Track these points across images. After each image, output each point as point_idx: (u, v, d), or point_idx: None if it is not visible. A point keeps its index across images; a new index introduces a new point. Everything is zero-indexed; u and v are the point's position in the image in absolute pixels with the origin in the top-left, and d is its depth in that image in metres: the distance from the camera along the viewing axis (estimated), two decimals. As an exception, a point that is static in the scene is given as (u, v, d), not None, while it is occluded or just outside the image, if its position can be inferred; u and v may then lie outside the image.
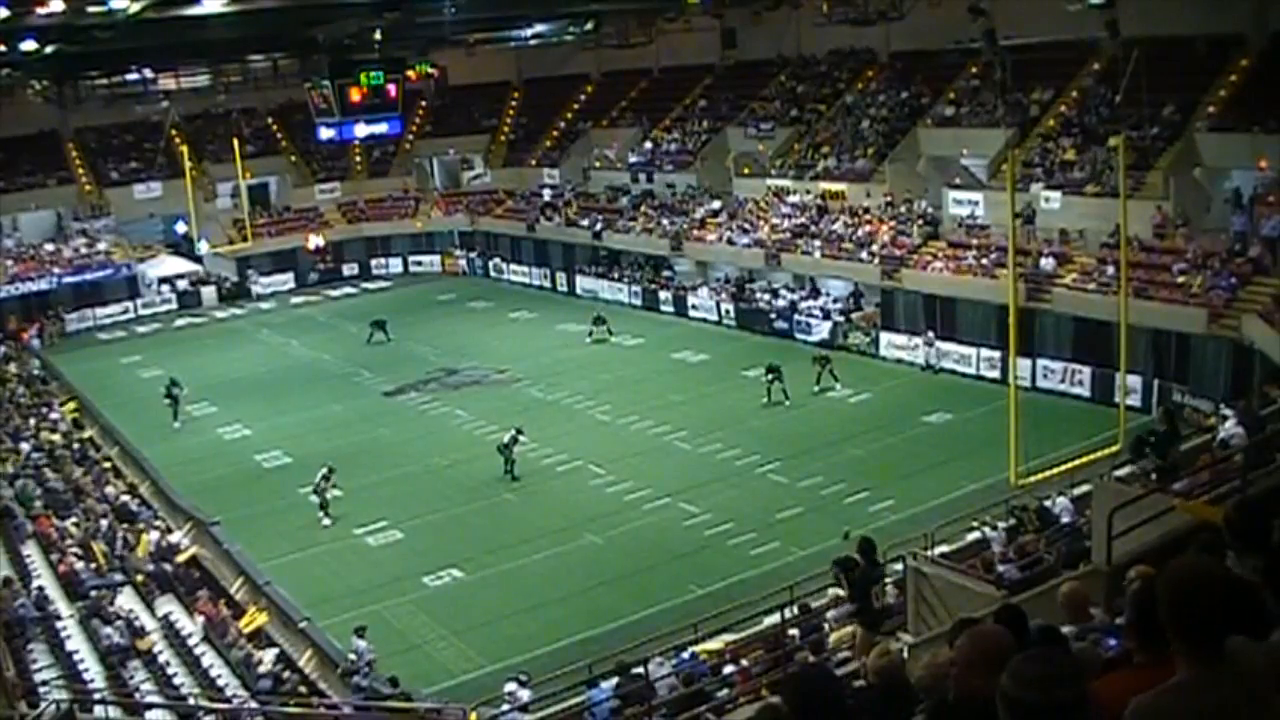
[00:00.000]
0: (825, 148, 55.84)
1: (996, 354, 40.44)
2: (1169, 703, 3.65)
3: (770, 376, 40.54)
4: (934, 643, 12.05)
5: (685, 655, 19.00)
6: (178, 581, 28.00)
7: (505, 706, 19.47)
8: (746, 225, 55.18)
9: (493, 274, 68.00)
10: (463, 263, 69.89)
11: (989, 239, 44.78)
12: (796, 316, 49.15)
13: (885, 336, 45.64)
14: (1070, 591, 8.65)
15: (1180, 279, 37.94)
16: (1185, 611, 3.68)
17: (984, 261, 43.91)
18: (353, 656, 23.61)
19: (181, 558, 29.45)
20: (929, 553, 19.97)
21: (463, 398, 43.82)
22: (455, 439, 39.47)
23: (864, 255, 48.47)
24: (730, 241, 54.96)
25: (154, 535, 30.31)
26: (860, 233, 49.92)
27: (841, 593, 18.27)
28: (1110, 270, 39.03)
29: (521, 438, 35.72)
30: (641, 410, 40.50)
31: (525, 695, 19.96)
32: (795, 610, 19.86)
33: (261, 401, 44.95)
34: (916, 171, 51.21)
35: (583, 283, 61.53)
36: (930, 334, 44.25)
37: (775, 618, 19.51)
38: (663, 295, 56.02)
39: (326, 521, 32.85)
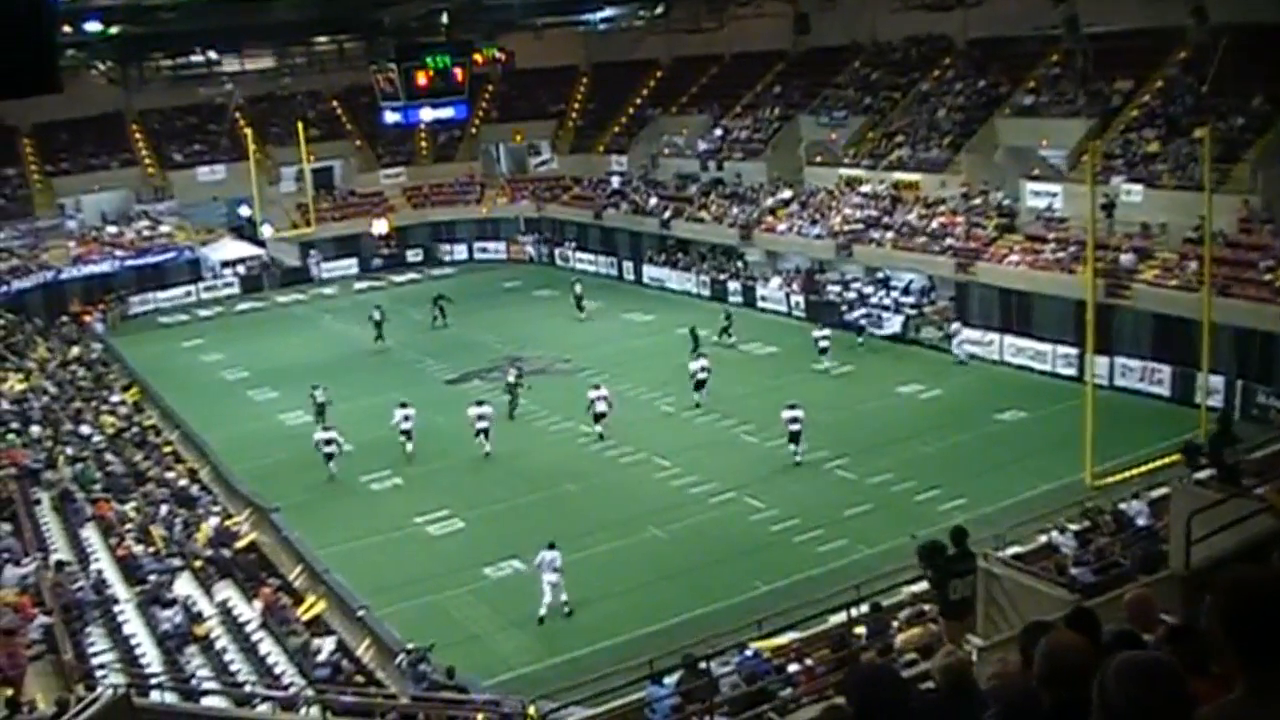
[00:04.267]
0: (899, 137, 55.44)
1: (1073, 351, 39.98)
2: (1229, 717, 3.56)
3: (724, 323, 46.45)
4: (1004, 646, 11.93)
5: (748, 653, 18.88)
6: (236, 568, 28.27)
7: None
8: (817, 215, 55.01)
9: (559, 262, 68.34)
10: (529, 249, 70.25)
11: (1067, 232, 44.22)
12: (867, 309, 48.97)
13: (959, 331, 45.21)
14: (1137, 598, 8.43)
15: (1266, 276, 37.26)
16: (1244, 623, 3.57)
17: (1061, 255, 43.37)
18: (538, 563, 26.51)
19: (241, 544, 29.73)
20: (1000, 553, 19.73)
21: (526, 387, 43.93)
22: (517, 428, 39.63)
23: (938, 248, 48.15)
24: (800, 232, 54.84)
25: (213, 521, 30.64)
26: (934, 224, 49.56)
27: (915, 590, 18.11)
28: (1193, 266, 38.34)
29: (593, 394, 37.59)
30: (707, 402, 40.46)
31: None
32: (863, 609, 19.71)
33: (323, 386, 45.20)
34: (993, 162, 50.73)
35: (650, 271, 61.66)
36: (957, 323, 44.37)
37: (841, 616, 19.43)
38: (731, 286, 56.00)
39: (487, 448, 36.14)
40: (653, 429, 38.65)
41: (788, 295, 53.10)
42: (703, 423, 38.95)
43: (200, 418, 41.71)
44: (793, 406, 34.85)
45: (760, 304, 54.13)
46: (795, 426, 34.48)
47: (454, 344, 51.10)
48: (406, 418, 37.62)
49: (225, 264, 65.76)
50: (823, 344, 43.71)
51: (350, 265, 69.01)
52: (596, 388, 38.30)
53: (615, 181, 68.56)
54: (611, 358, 46.95)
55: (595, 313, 55.21)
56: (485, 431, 36.88)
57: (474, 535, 31.45)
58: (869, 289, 50.29)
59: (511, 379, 40.52)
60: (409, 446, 37.29)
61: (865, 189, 54.64)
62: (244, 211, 67.75)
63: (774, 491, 32.61)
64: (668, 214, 62.31)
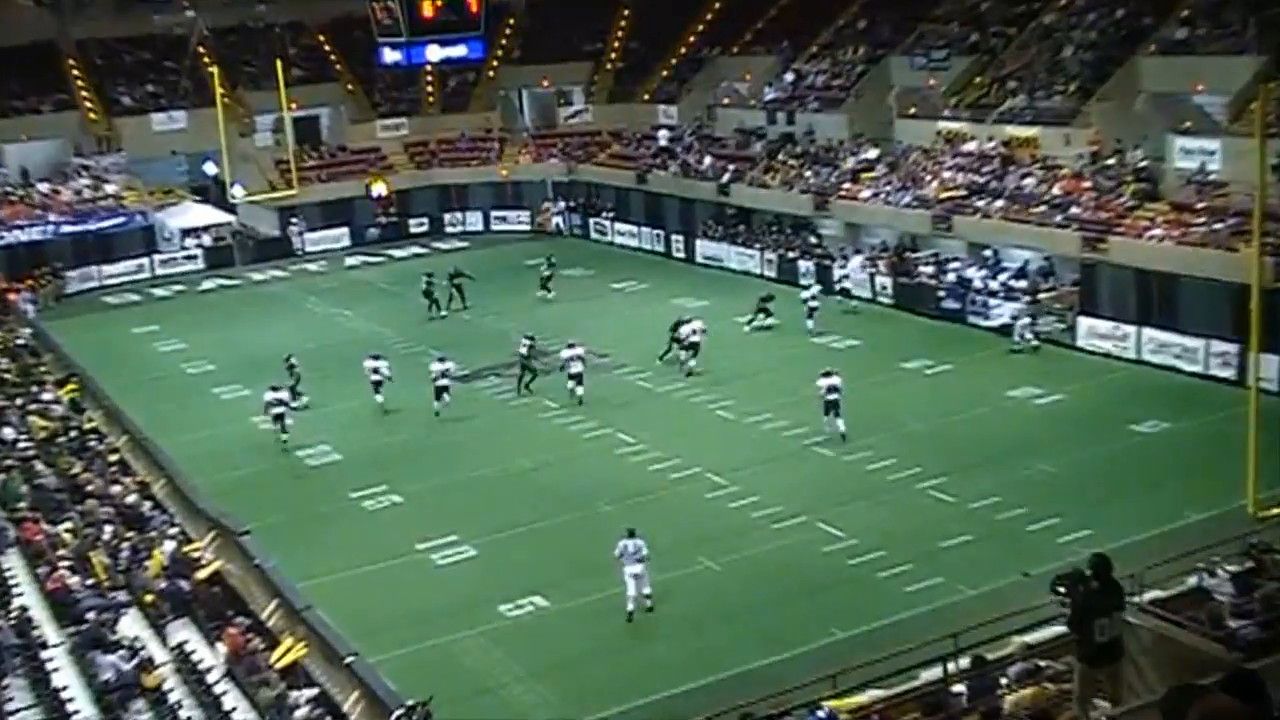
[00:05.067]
0: (1013, 82, 55.10)
1: (1231, 348, 39.52)
2: None
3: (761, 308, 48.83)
4: (1142, 714, 11.76)
5: (820, 713, 18.76)
6: (196, 603, 28.26)
7: None
8: (910, 180, 54.82)
9: (594, 234, 68.61)
10: (557, 220, 70.49)
11: (1226, 200, 43.73)
12: (971, 295, 48.67)
13: (1084, 322, 45.00)
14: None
15: None
16: None
17: (1218, 229, 42.92)
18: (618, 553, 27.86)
19: (202, 574, 29.71)
20: (1138, 599, 19.51)
21: (553, 386, 44.01)
22: (543, 436, 39.84)
23: (1059, 219, 47.90)
24: (889, 200, 54.71)
25: (169, 546, 30.63)
26: (1056, 190, 49.27)
27: (1028, 640, 17.91)
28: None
29: (568, 351, 41.71)
30: (773, 407, 40.42)
31: None
32: (963, 663, 19.53)
33: (307, 385, 45.37)
34: (1132, 112, 50.21)
35: (704, 247, 61.68)
36: (1023, 302, 45.38)
37: (936, 671, 19.23)
38: (803, 265, 55.89)
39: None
40: (705, 439, 38.71)
41: (872, 277, 52.98)
42: (767, 431, 38.97)
43: (154, 420, 41.80)
44: (829, 374, 37.38)
45: (838, 287, 53.99)
46: (833, 396, 36.89)
47: (465, 333, 51.41)
48: (376, 370, 42.40)
49: (186, 233, 66.14)
50: (812, 304, 48.14)
51: (340, 236, 69.59)
52: (571, 346, 42.35)
53: (663, 137, 68.65)
54: (657, 351, 46.82)
55: (638, 297, 55.42)
56: (445, 390, 41.64)
57: (488, 565, 31.45)
58: (972, 270, 50.07)
59: (524, 351, 43.58)
60: (379, 399, 42.33)
61: (970, 147, 54.42)
62: (209, 169, 68.18)
63: (853, 517, 32.43)
64: (726, 177, 62.35)
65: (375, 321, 53.70)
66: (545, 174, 72.12)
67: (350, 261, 66.76)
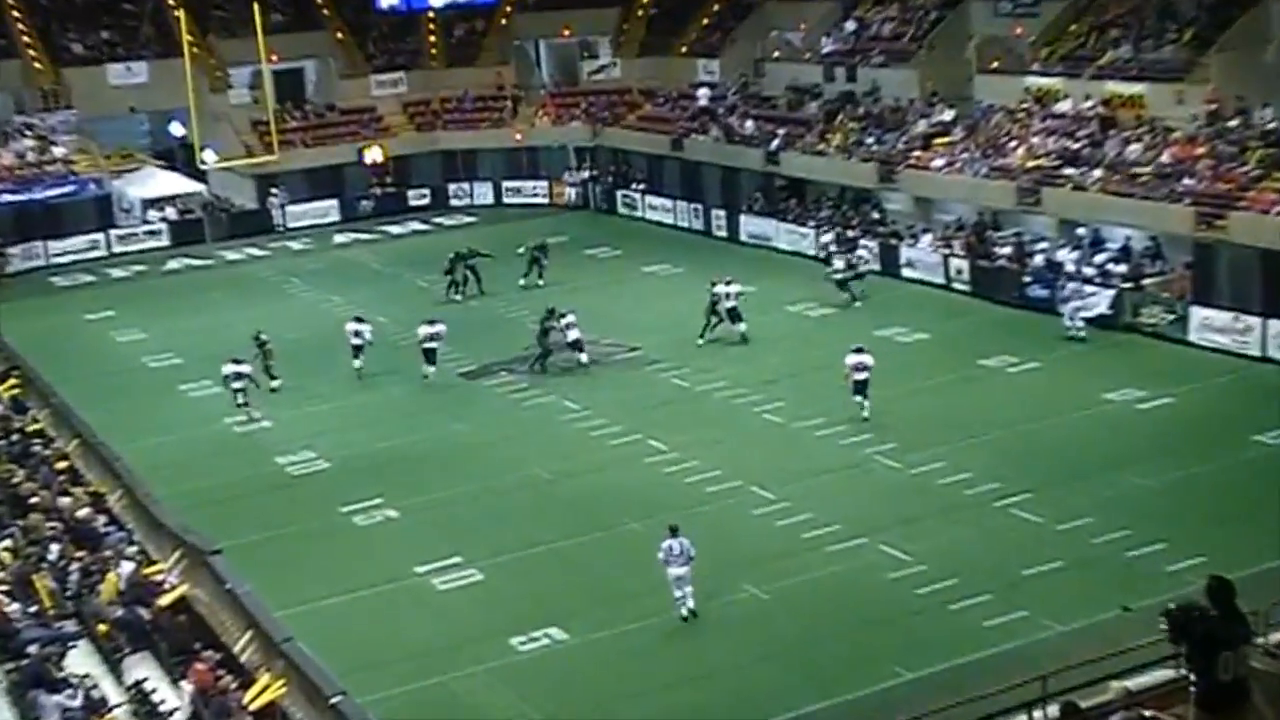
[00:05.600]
0: (1116, 30, 54.90)
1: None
2: None
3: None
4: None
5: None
6: (158, 634, 28.25)
7: None
8: (991, 146, 54.74)
9: (622, 209, 68.79)
10: (574, 191, 70.78)
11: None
12: (1062, 282, 48.43)
13: (1197, 313, 44.87)
14: None
15: None
16: None
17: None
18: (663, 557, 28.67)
19: (165, 600, 29.70)
20: (1261, 640, 19.39)
21: (575, 383, 44.45)
22: (562, 442, 40.07)
23: (1168, 192, 47.67)
24: (967, 169, 54.64)
25: (126, 568, 30.62)
26: (1165, 158, 49.10)
27: (1129, 685, 17.82)
28: None
29: (563, 320, 45.10)
30: (829, 410, 40.29)
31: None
32: (1051, 710, 19.46)
33: (288, 381, 45.85)
34: (1261, 64, 49.78)
35: (749, 225, 61.78)
36: (1073, 285, 46.07)
37: (1021, 720, 19.19)
38: (864, 246, 55.67)
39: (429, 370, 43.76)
40: (751, 446, 38.79)
41: (946, 260, 53.01)
42: (822, 438, 38.96)
43: (110, 421, 41.64)
44: (859, 350, 39.31)
45: (905, 272, 54.10)
46: (862, 375, 38.82)
47: (473, 322, 51.64)
48: (358, 334, 45.72)
49: (149, 204, 66.32)
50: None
51: (328, 210, 70.10)
52: (563, 315, 45.87)
53: (703, 97, 68.80)
54: (696, 345, 47.07)
55: (673, 281, 55.58)
56: (433, 353, 45.17)
57: (498, 592, 31.45)
58: (1064, 253, 49.96)
59: (542, 325, 45.97)
60: (357, 363, 45.67)
61: (1063, 107, 54.34)
62: (176, 130, 68.36)
63: (922, 538, 32.28)
64: (776, 144, 62.40)
65: (369, 308, 53.31)
66: (566, 139, 72.21)
67: (339, 239, 67.05)
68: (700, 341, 46.63)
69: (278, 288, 59.29)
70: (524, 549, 33.36)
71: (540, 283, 55.86)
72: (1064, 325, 45.74)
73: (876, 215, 57.89)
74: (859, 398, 39.02)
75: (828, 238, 56.94)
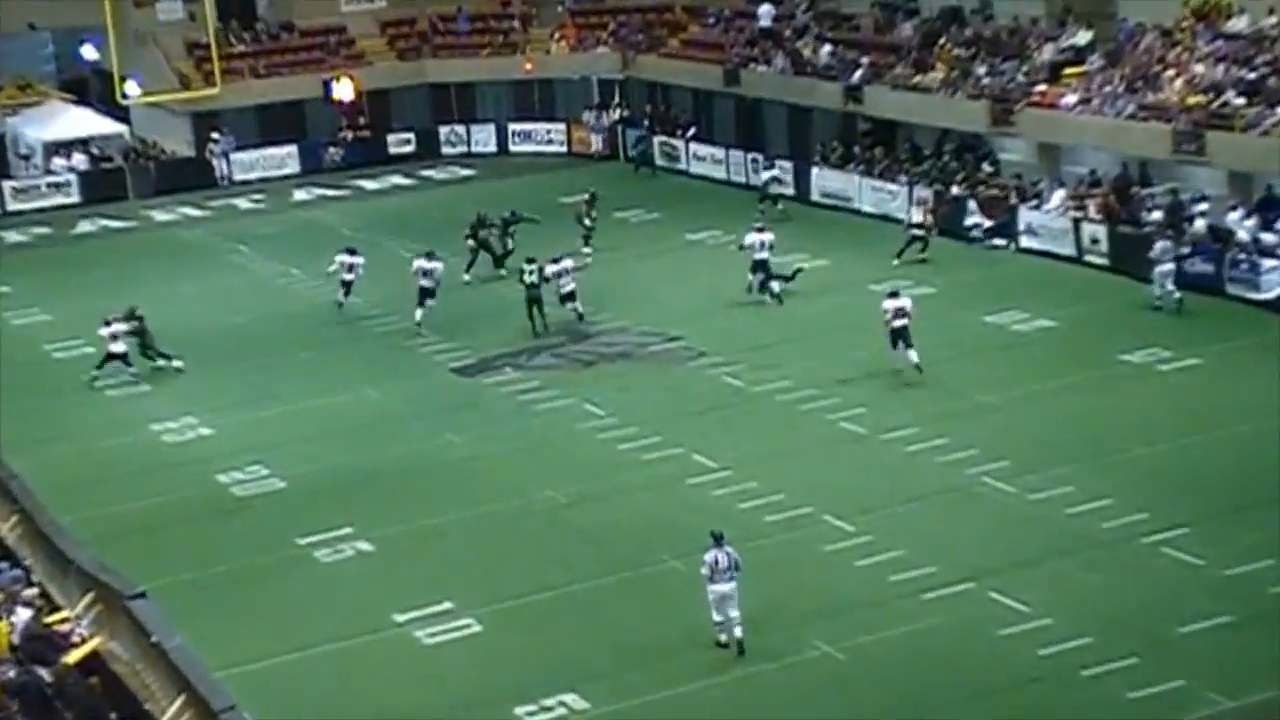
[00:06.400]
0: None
1: None
2: None
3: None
4: None
5: None
6: (62, 701, 28.25)
7: None
8: (1139, 79, 54.46)
9: (661, 160, 68.81)
10: (600, 138, 70.77)
11: None
12: (1233, 253, 48.31)
13: None
14: None
15: None
16: None
17: None
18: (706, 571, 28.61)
19: (73, 657, 29.70)
20: None
21: (598, 382, 44.53)
22: (582, 456, 39.86)
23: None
24: (1106, 109, 54.32)
25: (23, 615, 30.62)
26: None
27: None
28: None
29: (555, 265, 47.97)
30: (924, 418, 40.22)
31: None
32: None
33: (234, 378, 46.02)
34: None
35: (823, 179, 61.70)
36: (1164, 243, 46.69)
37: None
38: (970, 210, 55.82)
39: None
40: (823, 464, 38.44)
41: (1077, 225, 52.85)
42: (914, 455, 38.61)
43: (3, 427, 41.97)
44: (895, 294, 41.48)
45: (1024, 240, 54.12)
46: (900, 322, 40.53)
47: (470, 306, 51.86)
48: (351, 267, 50.57)
49: (54, 149, 66.37)
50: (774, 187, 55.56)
51: (285, 159, 70.49)
52: (556, 260, 48.70)
53: (764, 15, 68.70)
54: (753, 334, 47.06)
55: (725, 253, 55.05)
56: (431, 294, 48.91)
57: (499, 647, 31.12)
58: (1235, 215, 49.60)
59: (532, 279, 48.49)
60: (341, 296, 50.55)
61: (1236, 25, 54.08)
62: (89, 54, 68.36)
63: (1045, 584, 31.85)
64: (858, 76, 62.42)
65: (336, 285, 53.46)
66: (589, 69, 72.33)
67: (300, 196, 67.33)
68: (765, 296, 48.30)
69: (221, 257, 59.36)
70: (532, 593, 32.96)
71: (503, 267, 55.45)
72: (1153, 294, 46.13)
73: (989, 169, 57.75)
74: (900, 349, 41.44)
75: (924, 194, 57.00)
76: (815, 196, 61.57)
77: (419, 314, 48.50)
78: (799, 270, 49.90)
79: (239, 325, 49.65)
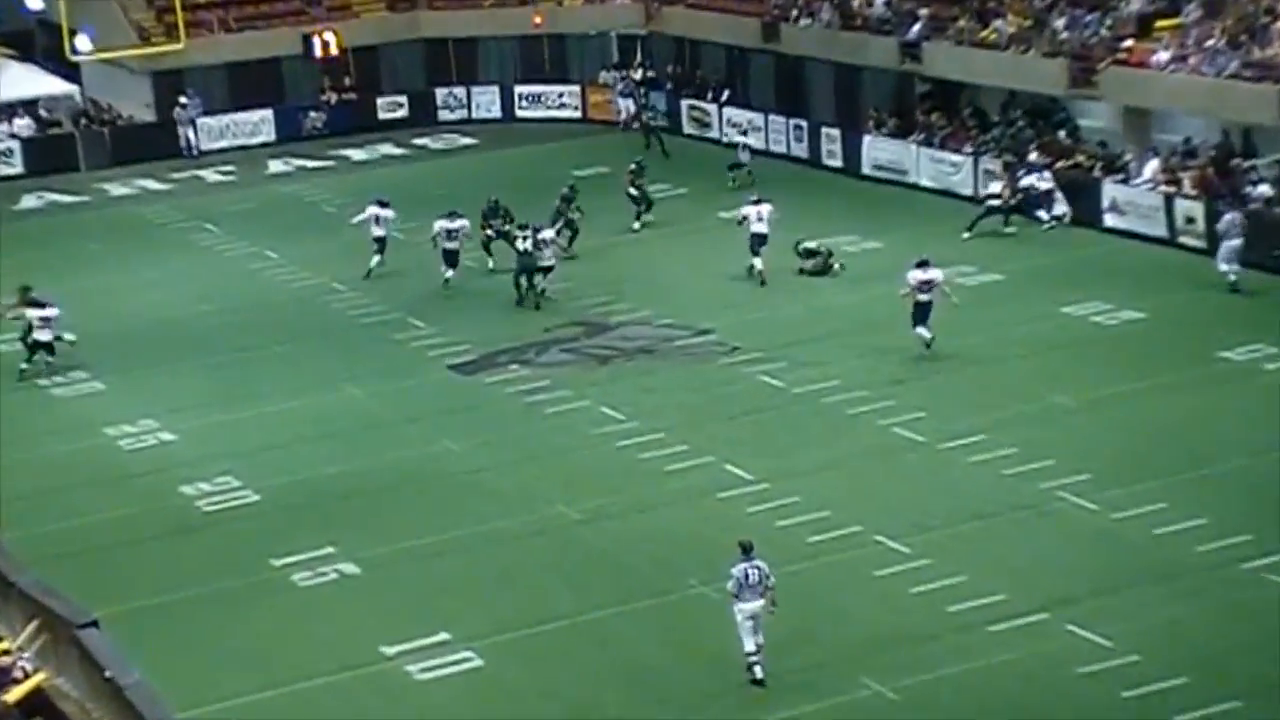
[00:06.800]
0: None
1: None
2: None
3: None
4: None
5: None
6: (3, 742, 28.19)
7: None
8: (1243, 31, 54.16)
9: (689, 127, 69.06)
10: (624, 103, 70.81)
11: None
12: (1220, 208, 48.63)
13: None
14: None
15: None
16: None
17: None
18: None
19: (15, 695, 29.62)
20: None
21: (616, 381, 44.42)
22: (598, 467, 39.59)
23: None
24: (1205, 68, 53.95)
25: (-41, 644, 30.60)
26: None
27: None
28: None
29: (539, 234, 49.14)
30: (991, 424, 39.95)
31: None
32: None
33: (200, 375, 46.00)
34: None
35: (875, 149, 61.68)
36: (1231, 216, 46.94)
37: None
38: (1043, 187, 55.27)
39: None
40: (874, 476, 38.22)
41: (1169, 201, 52.64)
42: (978, 465, 38.25)
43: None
44: (925, 264, 42.22)
45: (1108, 219, 53.96)
46: (927, 296, 40.86)
47: (472, 296, 51.76)
48: (379, 220, 51.90)
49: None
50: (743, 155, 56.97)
51: (260, 124, 70.72)
52: (538, 229, 50.17)
53: (808, -42, 68.51)
54: (795, 327, 46.97)
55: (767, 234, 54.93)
56: (454, 255, 50.82)
57: (501, 684, 30.91)
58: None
59: (526, 247, 49.99)
60: (375, 261, 51.40)
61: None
62: (34, 3, 68.42)
63: (1131, 616, 31.48)
64: (917, 30, 62.32)
65: (320, 268, 53.71)
66: (607, 23, 72.29)
67: (276, 167, 67.53)
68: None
69: (186, 237, 59.41)
70: (540, 623, 32.69)
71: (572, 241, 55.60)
72: (1226, 276, 46.28)
73: (1065, 136, 57.44)
74: (919, 328, 41.59)
75: (993, 167, 56.83)
76: (866, 169, 61.61)
77: (450, 274, 50.17)
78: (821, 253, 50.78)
79: (206, 315, 49.63)
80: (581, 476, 38.88)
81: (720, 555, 33.39)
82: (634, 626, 32.48)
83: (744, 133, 63.84)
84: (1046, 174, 53.68)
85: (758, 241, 49.49)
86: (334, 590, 34.50)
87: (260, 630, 33.17)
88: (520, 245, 48.79)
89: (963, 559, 33.96)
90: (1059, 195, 54.11)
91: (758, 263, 49.42)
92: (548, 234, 49.79)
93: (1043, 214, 54.20)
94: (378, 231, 49.90)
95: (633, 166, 57.76)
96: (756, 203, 50.00)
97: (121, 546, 36.68)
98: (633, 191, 57.02)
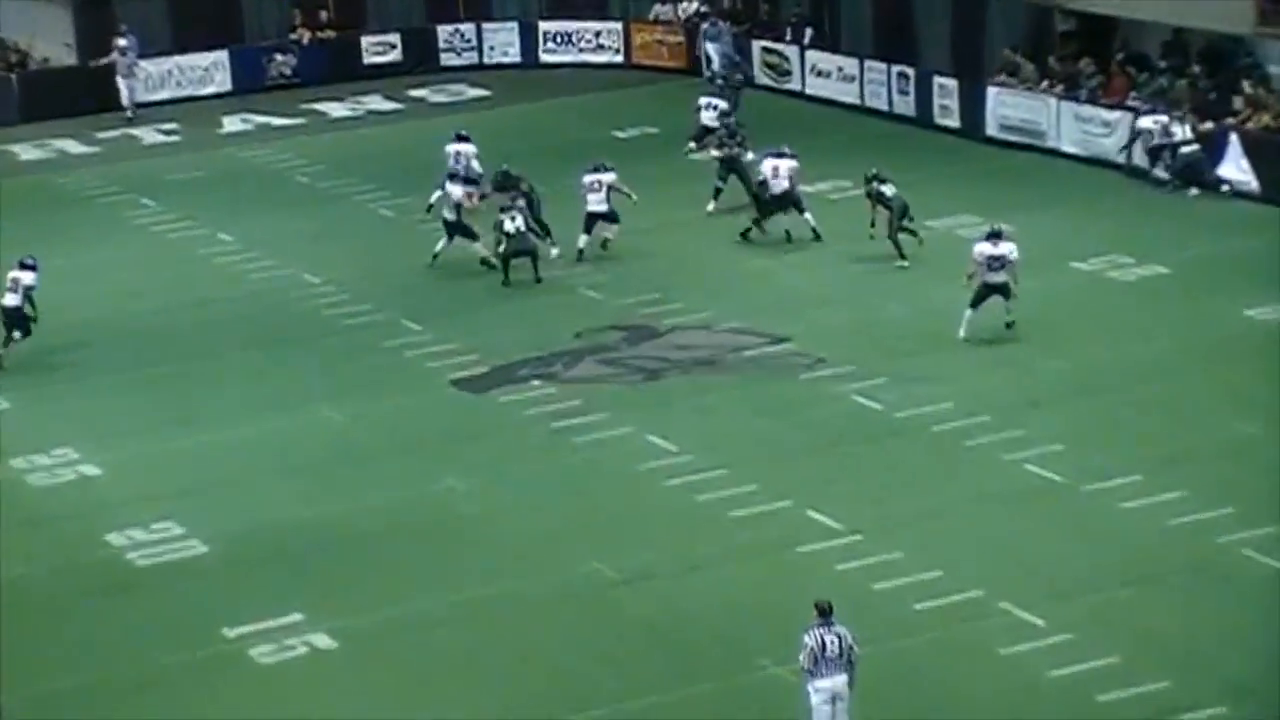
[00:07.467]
0: None
1: None
2: None
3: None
4: None
5: None
6: None
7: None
8: None
9: (762, 76, 69.44)
10: (712, 49, 70.26)
11: None
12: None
13: None
14: None
15: None
16: None
17: None
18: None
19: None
20: None
21: (667, 402, 44.00)
22: (643, 512, 38.69)
23: None
24: None
25: None
26: None
27: None
28: None
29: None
30: (1150, 461, 39.21)
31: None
32: None
33: (132, 392, 45.62)
34: None
35: (1002, 105, 61.56)
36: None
37: None
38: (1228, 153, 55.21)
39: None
40: (999, 525, 37.39)
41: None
42: (1136, 513, 37.29)
43: None
44: (997, 237, 44.11)
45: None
46: (998, 278, 43.88)
47: (480, 291, 51.67)
48: (459, 157, 54.91)
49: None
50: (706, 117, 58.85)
51: (212, 70, 71.32)
52: (596, 170, 53.12)
53: None
54: (897, 333, 46.52)
55: (856, 213, 54.30)
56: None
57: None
58: None
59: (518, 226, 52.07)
60: (440, 245, 52.78)
61: None
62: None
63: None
64: (1050, -42, 62.04)
65: (288, 256, 53.80)
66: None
67: (232, 124, 68.10)
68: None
69: (116, 214, 59.63)
70: (572, 712, 31.82)
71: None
72: None
73: (1249, 87, 56.71)
74: (973, 310, 43.61)
75: (1151, 125, 56.46)
76: (991, 130, 61.82)
77: (476, 248, 51.23)
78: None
79: (141, 315, 49.66)
80: (622, 525, 38.07)
81: (798, 627, 32.18)
82: (690, 716, 31.64)
83: (738, 84, 64.82)
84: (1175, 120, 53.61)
85: (777, 203, 51.40)
86: (303, 668, 33.55)
87: (208, 716, 32.33)
88: (508, 226, 49.91)
89: (1114, 633, 33.08)
90: (1241, 160, 53.61)
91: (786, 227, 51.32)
92: (611, 178, 51.62)
93: (1160, 171, 54.73)
94: (449, 216, 51.35)
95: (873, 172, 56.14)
96: (779, 156, 50.96)
97: (30, 612, 35.71)
98: (714, 153, 57.59)
